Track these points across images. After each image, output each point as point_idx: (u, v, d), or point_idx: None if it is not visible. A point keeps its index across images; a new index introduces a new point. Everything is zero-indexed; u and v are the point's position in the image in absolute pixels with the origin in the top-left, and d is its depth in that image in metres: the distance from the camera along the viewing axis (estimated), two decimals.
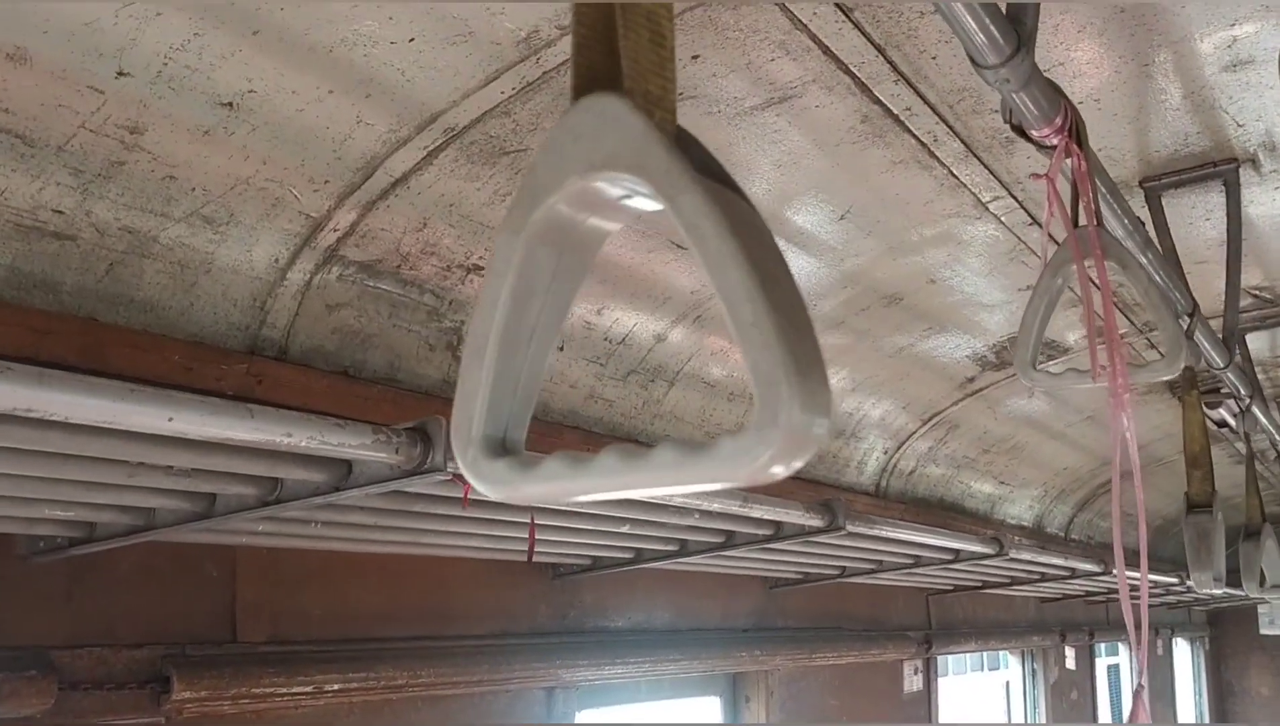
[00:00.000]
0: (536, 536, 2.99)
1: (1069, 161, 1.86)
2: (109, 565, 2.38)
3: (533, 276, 0.83)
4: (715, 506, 2.69)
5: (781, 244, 3.45)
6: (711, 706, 4.77)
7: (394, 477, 1.93)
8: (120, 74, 2.08)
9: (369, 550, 2.88)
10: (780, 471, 0.71)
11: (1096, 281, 1.87)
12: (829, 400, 0.71)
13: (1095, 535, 8.76)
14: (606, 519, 2.77)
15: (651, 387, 3.81)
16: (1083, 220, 1.93)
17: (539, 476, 0.80)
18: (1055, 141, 1.83)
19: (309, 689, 2.65)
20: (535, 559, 3.48)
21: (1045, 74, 2.13)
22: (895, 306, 4.20)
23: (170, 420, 1.44)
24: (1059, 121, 1.80)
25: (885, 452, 5.58)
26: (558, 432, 3.46)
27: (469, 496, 2.23)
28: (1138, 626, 1.79)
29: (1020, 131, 1.87)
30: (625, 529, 2.88)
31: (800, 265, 3.66)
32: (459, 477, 1.76)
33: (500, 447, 0.85)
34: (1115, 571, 1.91)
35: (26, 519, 2.01)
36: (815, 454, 0.74)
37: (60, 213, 2.23)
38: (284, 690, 2.60)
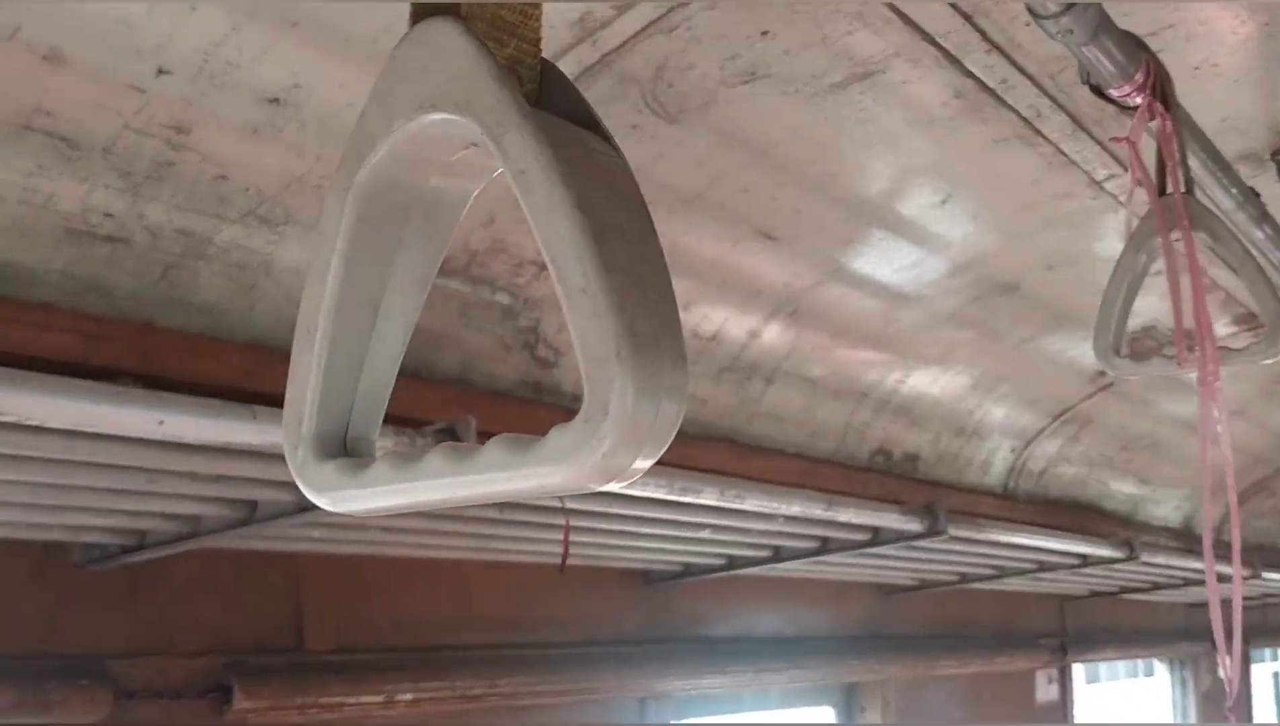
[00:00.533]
0: (620, 543, 2.88)
1: (1155, 123, 1.66)
2: (168, 573, 2.35)
3: (369, 242, 0.69)
4: (796, 510, 2.53)
5: (881, 233, 3.33)
6: (825, 716, 4.59)
7: None
8: (160, 72, 2.03)
9: (434, 555, 2.80)
10: (623, 467, 0.56)
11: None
12: (680, 381, 0.55)
13: (1250, 536, 8.25)
14: (684, 524, 2.64)
15: (748, 386, 3.66)
16: (1171, 188, 1.73)
17: (364, 481, 0.67)
18: (1138, 101, 1.63)
19: (380, 698, 2.58)
20: (629, 566, 3.37)
21: (1151, 37, 1.93)
22: (1012, 296, 3.96)
23: (161, 424, 1.37)
24: (1140, 78, 1.60)
25: (1012, 451, 5.31)
26: None
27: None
28: (1229, 633, 1.59)
29: (1099, 92, 1.68)
30: (705, 534, 2.74)
31: (904, 255, 3.47)
32: None
33: (340, 448, 0.72)
34: (1229, 573, 1.70)
35: (67, 526, 1.98)
36: (663, 443, 0.59)
37: (111, 216, 2.20)
38: (353, 699, 2.54)
